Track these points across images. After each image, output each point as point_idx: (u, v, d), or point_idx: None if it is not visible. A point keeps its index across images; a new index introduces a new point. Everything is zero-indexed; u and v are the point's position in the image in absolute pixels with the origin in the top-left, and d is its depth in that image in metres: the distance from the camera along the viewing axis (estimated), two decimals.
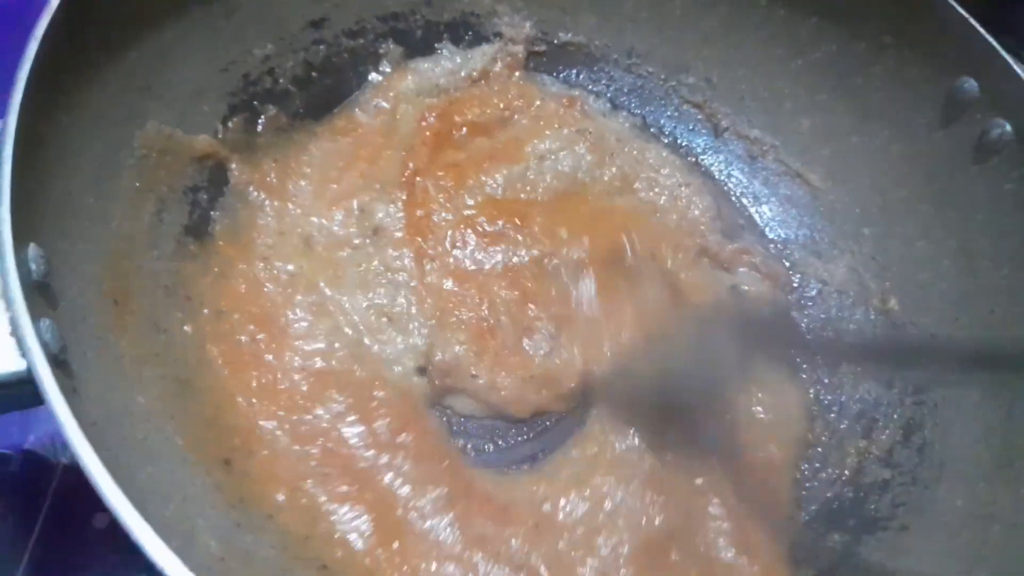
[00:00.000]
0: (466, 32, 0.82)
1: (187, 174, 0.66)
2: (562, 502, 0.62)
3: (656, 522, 0.62)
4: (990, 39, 0.69)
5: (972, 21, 0.70)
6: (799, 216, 0.83)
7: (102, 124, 0.58)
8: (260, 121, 0.72)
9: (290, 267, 0.67)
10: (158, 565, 0.41)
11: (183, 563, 0.41)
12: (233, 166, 0.69)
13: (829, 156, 0.81)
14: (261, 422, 0.59)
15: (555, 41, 0.84)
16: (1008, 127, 0.68)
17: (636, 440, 0.66)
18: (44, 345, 0.43)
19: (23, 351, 0.43)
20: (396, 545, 0.56)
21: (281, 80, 0.73)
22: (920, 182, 0.75)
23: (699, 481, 0.66)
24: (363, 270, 0.69)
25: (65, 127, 0.54)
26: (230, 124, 0.69)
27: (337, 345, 0.64)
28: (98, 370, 0.51)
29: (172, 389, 0.57)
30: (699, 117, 0.86)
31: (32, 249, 0.47)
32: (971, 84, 0.70)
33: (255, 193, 0.70)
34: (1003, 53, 0.69)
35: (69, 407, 0.41)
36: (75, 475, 0.62)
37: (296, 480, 0.58)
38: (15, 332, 0.43)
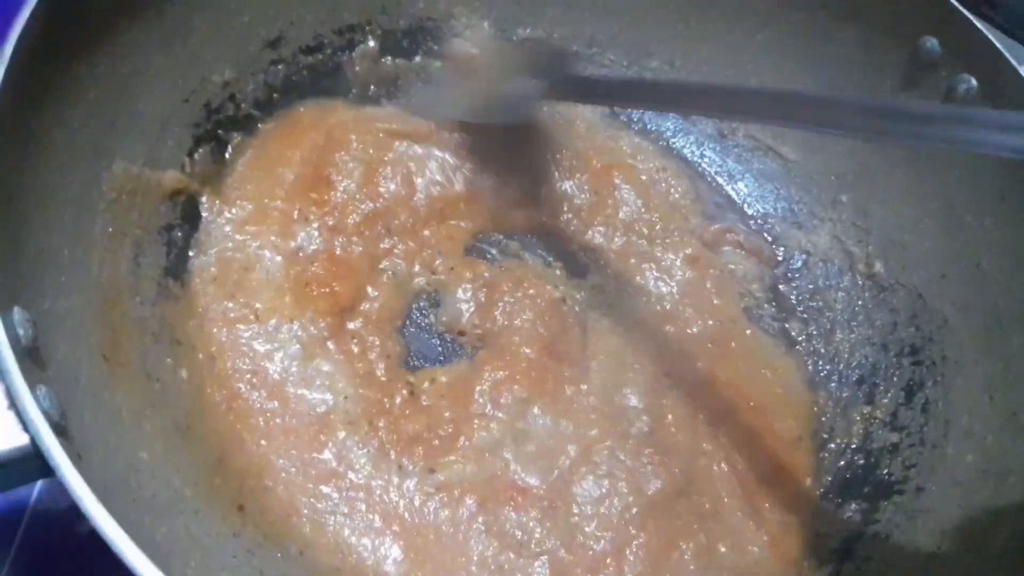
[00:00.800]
0: (425, 38, 0.80)
1: (160, 212, 0.63)
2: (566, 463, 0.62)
3: (658, 483, 0.62)
4: None
5: None
6: (775, 189, 0.83)
7: (70, 168, 0.55)
8: (228, 150, 0.69)
9: (258, 305, 0.65)
10: None
11: None
12: (203, 200, 0.66)
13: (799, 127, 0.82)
14: (272, 460, 0.57)
15: (514, 38, 0.83)
16: (973, 81, 0.69)
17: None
18: (46, 414, 0.41)
19: (24, 424, 0.40)
20: (430, 563, 0.55)
21: (243, 105, 0.71)
22: (893, 145, 0.76)
23: (706, 446, 0.66)
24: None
25: (34, 177, 0.51)
26: (196, 156, 0.67)
27: (337, 389, 0.62)
28: (97, 431, 0.48)
29: (174, 439, 0.55)
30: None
31: (17, 313, 0.44)
32: (932, 43, 0.71)
33: (225, 227, 0.67)
34: (961, 9, 0.70)
35: (80, 475, 0.39)
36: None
37: (315, 515, 0.56)
38: (14, 404, 0.41)
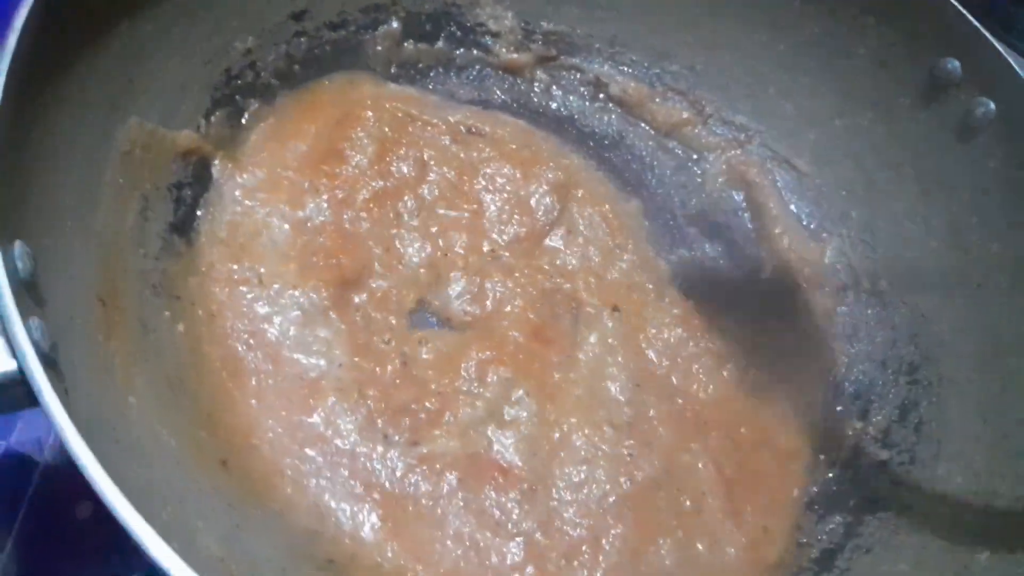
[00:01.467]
0: (448, 24, 0.81)
1: (171, 170, 0.64)
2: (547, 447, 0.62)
3: (638, 475, 0.62)
4: (971, 19, 0.70)
5: (954, 1, 0.70)
6: (788, 201, 0.83)
7: (85, 119, 0.56)
8: (244, 116, 0.70)
9: (262, 269, 0.65)
10: (163, 567, 0.39)
11: (186, 564, 0.39)
12: (216, 162, 0.67)
13: (814, 140, 0.82)
14: (261, 420, 0.58)
15: (537, 31, 0.84)
16: (991, 105, 0.69)
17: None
18: (35, 344, 0.41)
19: (13, 350, 0.41)
20: (407, 533, 0.55)
21: (263, 74, 0.72)
22: (905, 163, 0.76)
23: (694, 445, 0.66)
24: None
25: (48, 122, 0.52)
26: (212, 119, 0.68)
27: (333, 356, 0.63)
28: (88, 371, 0.49)
29: (164, 390, 0.56)
30: (684, 104, 0.85)
31: (19, 246, 0.45)
32: (953, 64, 0.71)
33: (235, 191, 0.68)
34: (985, 32, 0.69)
35: (64, 407, 0.40)
36: (58, 472, 0.61)
37: (298, 477, 0.57)
38: (5, 331, 0.41)
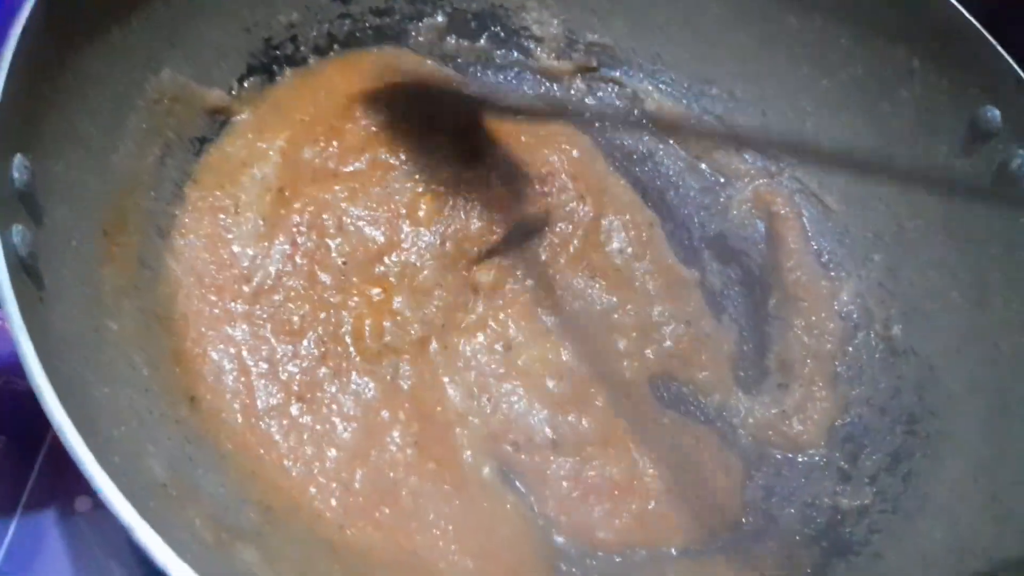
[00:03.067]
0: (494, 24, 0.83)
1: (196, 124, 0.67)
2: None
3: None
4: (1018, 69, 0.67)
5: (1000, 50, 0.68)
6: (810, 235, 0.81)
7: (119, 65, 0.59)
8: (276, 80, 0.73)
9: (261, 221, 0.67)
10: (91, 476, 0.41)
11: (113, 481, 0.40)
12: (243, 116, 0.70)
13: (846, 179, 0.80)
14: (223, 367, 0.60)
15: (580, 41, 0.85)
16: None
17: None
18: (11, 246, 0.44)
19: None
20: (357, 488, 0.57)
21: (303, 48, 0.75)
22: (936, 210, 0.73)
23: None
24: None
25: (82, 54, 0.55)
26: (246, 83, 0.71)
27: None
28: (73, 289, 0.52)
29: (149, 323, 0.58)
30: (720, 129, 0.85)
31: (19, 159, 0.48)
32: (994, 113, 0.69)
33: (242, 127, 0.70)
34: None
35: (19, 307, 0.42)
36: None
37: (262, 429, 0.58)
38: None
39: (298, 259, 0.66)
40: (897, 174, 0.77)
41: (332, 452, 0.59)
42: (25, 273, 0.45)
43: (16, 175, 0.47)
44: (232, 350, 0.61)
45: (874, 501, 0.65)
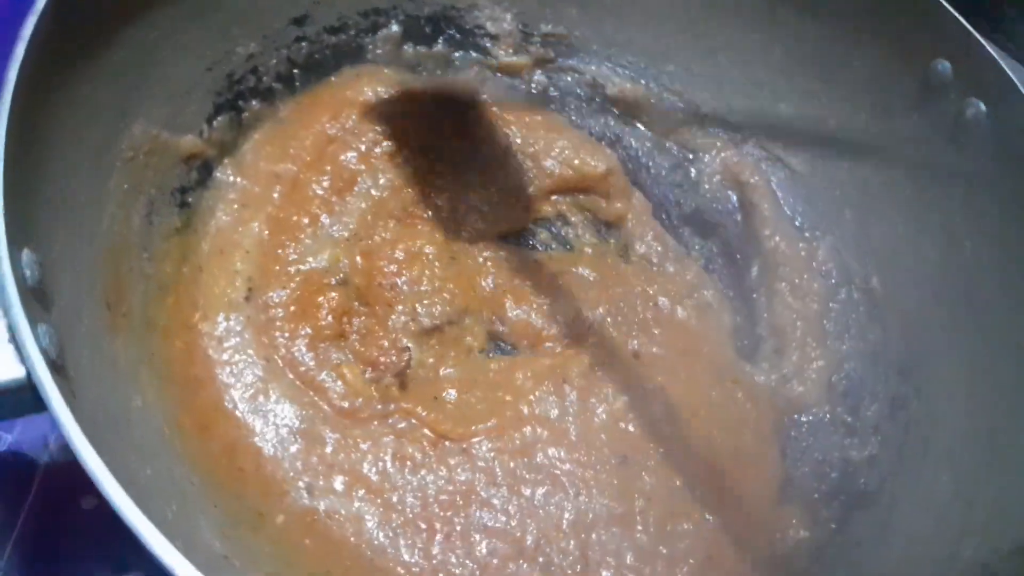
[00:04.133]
0: (448, 26, 0.82)
1: (175, 174, 0.66)
2: None
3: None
4: (963, 21, 0.70)
5: (946, 4, 0.71)
6: (781, 200, 0.84)
7: (92, 125, 0.58)
8: (244, 117, 0.72)
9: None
10: (166, 565, 0.41)
11: (190, 563, 0.41)
12: (225, 163, 0.69)
13: (808, 141, 0.83)
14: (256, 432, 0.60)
15: (535, 33, 0.85)
16: (982, 106, 0.69)
17: None
18: (43, 351, 0.43)
19: (23, 357, 0.43)
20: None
21: (265, 78, 0.73)
22: (899, 164, 0.76)
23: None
24: None
25: (55, 127, 0.53)
26: (215, 124, 0.69)
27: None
28: (94, 374, 0.51)
29: (168, 391, 0.58)
30: (680, 105, 0.86)
31: (26, 254, 0.47)
32: (945, 66, 0.72)
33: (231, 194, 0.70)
34: (975, 34, 0.70)
35: (72, 413, 0.42)
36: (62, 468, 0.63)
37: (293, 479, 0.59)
38: (14, 338, 0.43)
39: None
40: (857, 133, 0.80)
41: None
42: (58, 373, 0.45)
43: (28, 272, 0.46)
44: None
45: (880, 450, 0.69)
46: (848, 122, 0.80)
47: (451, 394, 0.65)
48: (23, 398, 0.44)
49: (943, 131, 0.72)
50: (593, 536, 0.61)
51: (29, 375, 0.43)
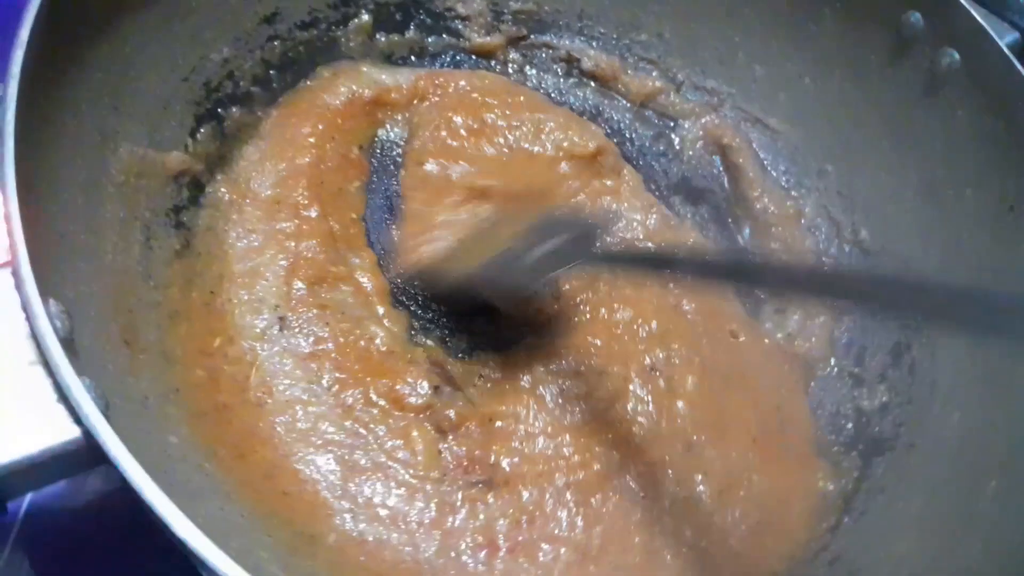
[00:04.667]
0: (418, 11, 0.80)
1: (166, 194, 0.63)
2: None
3: None
4: None
5: None
6: (764, 159, 0.85)
7: (79, 154, 0.55)
8: (226, 126, 0.69)
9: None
10: None
11: None
12: (218, 180, 0.67)
13: (785, 100, 0.84)
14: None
15: (505, 11, 0.83)
16: (956, 55, 0.71)
17: None
18: (97, 402, 0.41)
19: (77, 416, 0.40)
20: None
21: (242, 83, 0.70)
22: (876, 117, 0.78)
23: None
24: None
25: (48, 165, 0.51)
26: (198, 136, 0.66)
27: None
28: (129, 418, 0.48)
29: (199, 423, 0.55)
30: (655, 73, 0.86)
31: (53, 305, 0.44)
32: (916, 18, 0.73)
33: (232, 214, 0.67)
34: None
35: (139, 462, 0.40)
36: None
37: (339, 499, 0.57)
38: (65, 397, 0.41)
39: None
40: (833, 89, 0.81)
41: None
42: (111, 424, 0.42)
43: (59, 325, 0.43)
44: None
45: (890, 397, 0.72)
46: (824, 79, 0.81)
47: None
48: (77, 457, 0.42)
49: (918, 82, 0.74)
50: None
51: (86, 433, 0.41)
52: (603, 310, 0.70)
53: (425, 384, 0.63)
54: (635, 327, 0.70)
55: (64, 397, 0.41)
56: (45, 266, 0.45)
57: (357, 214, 0.71)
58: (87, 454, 0.41)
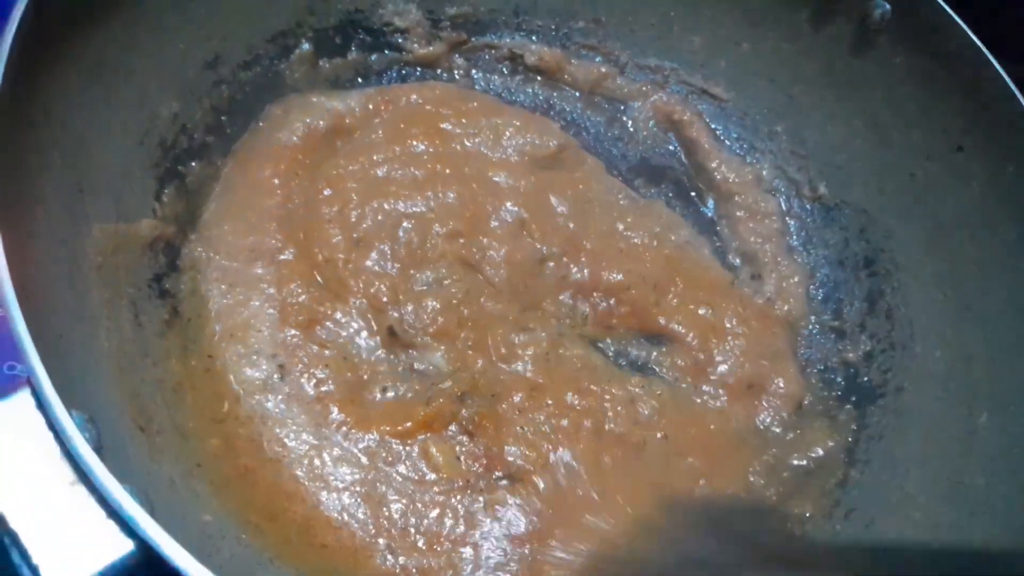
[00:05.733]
0: (356, 31, 0.79)
1: (144, 265, 0.61)
2: None
3: None
4: None
5: None
6: (715, 129, 0.86)
7: (54, 243, 0.53)
8: (188, 182, 0.67)
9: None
10: None
11: None
12: (191, 240, 0.65)
13: (726, 67, 0.85)
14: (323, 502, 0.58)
15: (443, 18, 0.82)
16: (887, 6, 0.74)
17: None
18: (148, 508, 0.40)
19: (132, 529, 0.40)
20: None
21: (196, 135, 0.68)
22: (817, 73, 0.81)
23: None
24: None
25: (29, 263, 0.48)
26: (164, 198, 0.64)
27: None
28: (163, 507, 0.48)
29: (227, 494, 0.55)
30: (598, 59, 0.87)
31: (75, 416, 0.43)
32: None
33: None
34: None
35: (204, 564, 0.39)
36: None
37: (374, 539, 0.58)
38: (115, 513, 0.40)
39: None
40: (769, 50, 0.83)
41: None
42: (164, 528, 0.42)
43: (88, 436, 0.42)
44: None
45: (873, 345, 0.75)
46: (760, 43, 0.83)
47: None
48: (135, 569, 0.41)
49: (854, 36, 0.77)
50: None
51: (143, 544, 0.40)
52: None
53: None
54: None
55: (113, 512, 0.40)
56: (60, 377, 0.44)
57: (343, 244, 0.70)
58: (143, 565, 0.41)
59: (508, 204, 0.74)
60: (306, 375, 0.63)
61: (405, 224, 0.70)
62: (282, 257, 0.67)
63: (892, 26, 0.74)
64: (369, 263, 0.68)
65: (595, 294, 0.72)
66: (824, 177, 0.82)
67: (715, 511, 0.65)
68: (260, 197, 0.69)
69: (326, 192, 0.70)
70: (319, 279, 0.68)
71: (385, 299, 0.67)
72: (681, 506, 0.64)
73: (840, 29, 0.78)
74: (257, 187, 0.69)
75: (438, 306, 0.67)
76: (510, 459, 0.63)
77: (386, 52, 0.81)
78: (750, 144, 0.85)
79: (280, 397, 0.62)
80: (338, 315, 0.66)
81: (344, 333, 0.66)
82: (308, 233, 0.69)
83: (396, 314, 0.67)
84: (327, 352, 0.65)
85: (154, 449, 0.52)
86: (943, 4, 0.71)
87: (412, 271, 0.68)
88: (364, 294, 0.67)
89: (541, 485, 0.63)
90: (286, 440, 0.60)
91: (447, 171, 0.74)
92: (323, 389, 0.63)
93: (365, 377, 0.65)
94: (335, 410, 0.62)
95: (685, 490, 0.66)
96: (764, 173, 0.84)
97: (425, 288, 0.68)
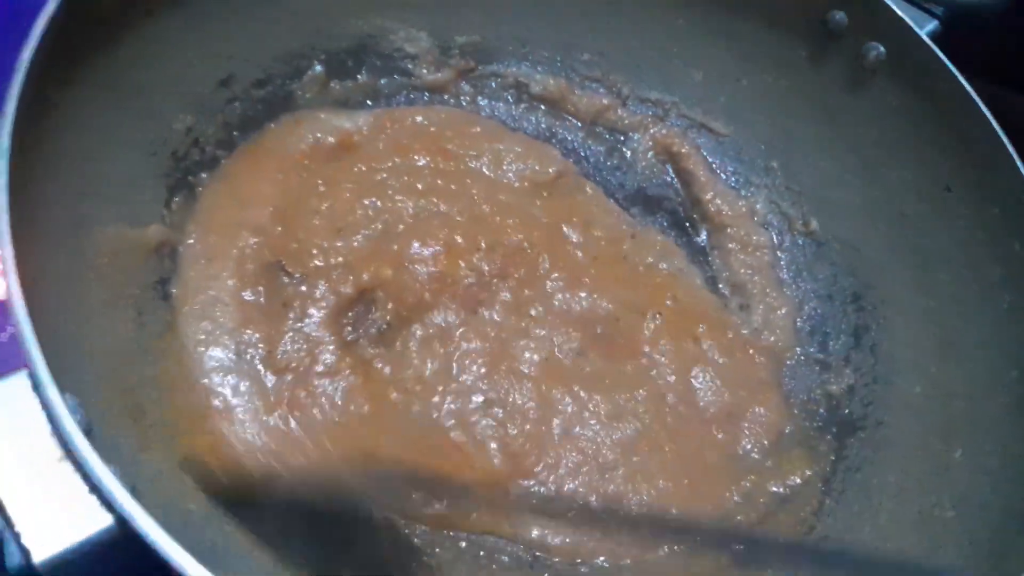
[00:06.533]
0: (368, 56, 0.82)
1: (149, 268, 0.64)
2: None
3: None
4: None
5: None
6: (712, 163, 0.89)
7: (55, 244, 0.55)
8: (198, 192, 0.70)
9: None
10: None
11: None
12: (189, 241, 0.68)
13: (725, 102, 0.88)
14: None
15: (452, 46, 0.86)
16: (882, 48, 0.76)
17: None
18: (127, 487, 0.43)
19: (111, 504, 0.42)
20: None
21: (207, 148, 0.71)
22: (813, 111, 0.83)
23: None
24: None
25: (31, 262, 0.51)
26: (173, 206, 0.68)
27: None
28: (149, 491, 0.50)
29: (214, 488, 0.57)
30: (601, 90, 0.90)
31: (69, 398, 0.45)
32: (841, 15, 0.78)
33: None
34: None
35: (183, 545, 0.42)
36: None
37: None
38: (96, 488, 0.42)
39: None
40: (768, 88, 0.85)
41: None
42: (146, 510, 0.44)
43: (78, 418, 0.45)
44: None
45: (856, 379, 0.76)
46: (759, 79, 0.85)
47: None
48: (115, 549, 0.44)
49: (848, 75, 0.79)
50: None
51: (119, 519, 0.42)
52: None
53: None
54: None
55: (95, 487, 0.42)
56: (56, 363, 0.47)
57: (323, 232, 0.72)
58: (121, 538, 0.43)
59: (509, 221, 0.77)
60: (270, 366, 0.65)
61: (388, 219, 0.73)
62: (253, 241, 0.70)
63: (886, 67, 0.76)
64: (340, 243, 0.71)
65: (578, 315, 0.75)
66: (817, 213, 0.84)
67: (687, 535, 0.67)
68: (259, 184, 0.72)
69: (321, 188, 0.73)
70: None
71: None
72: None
73: (836, 69, 0.80)
74: (257, 176, 0.72)
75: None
76: None
77: (396, 76, 0.84)
78: (745, 178, 0.87)
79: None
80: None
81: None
82: (291, 222, 0.72)
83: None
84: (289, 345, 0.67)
85: (145, 441, 0.55)
86: (934, 48, 0.73)
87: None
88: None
89: None
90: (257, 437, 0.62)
91: (451, 186, 0.77)
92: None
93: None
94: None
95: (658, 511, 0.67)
96: (758, 207, 0.86)
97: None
